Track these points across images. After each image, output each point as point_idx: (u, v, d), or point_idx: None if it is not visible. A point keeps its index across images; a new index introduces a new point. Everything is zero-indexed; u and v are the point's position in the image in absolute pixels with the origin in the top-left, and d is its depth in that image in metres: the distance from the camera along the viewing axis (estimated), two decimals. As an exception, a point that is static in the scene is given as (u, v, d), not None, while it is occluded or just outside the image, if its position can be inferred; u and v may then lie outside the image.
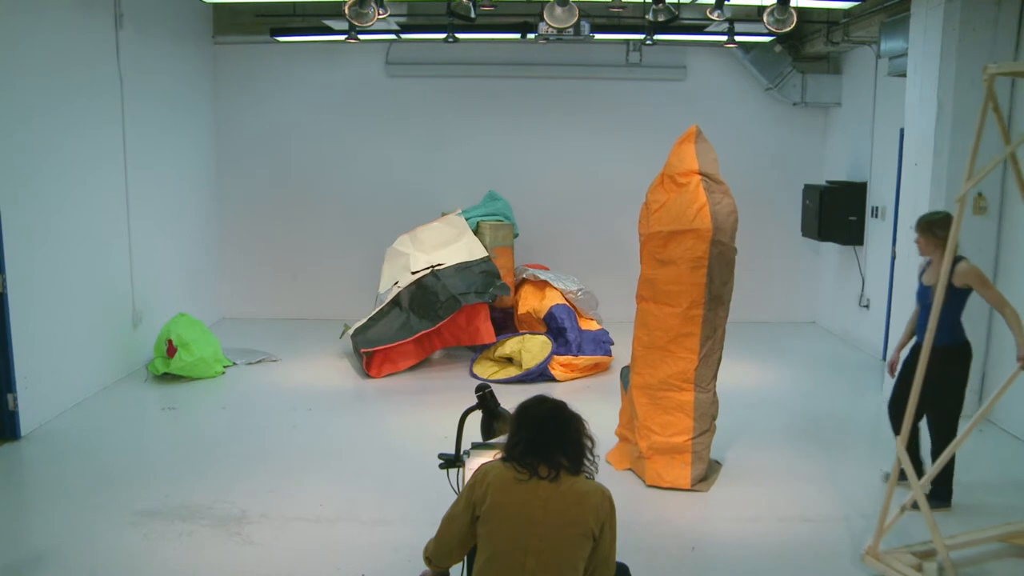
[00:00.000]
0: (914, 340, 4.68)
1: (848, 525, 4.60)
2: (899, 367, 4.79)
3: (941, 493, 4.65)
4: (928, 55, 6.27)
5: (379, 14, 5.48)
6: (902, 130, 6.84)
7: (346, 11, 5.44)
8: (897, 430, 4.34)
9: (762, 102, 9.47)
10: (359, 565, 4.08)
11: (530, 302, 8.08)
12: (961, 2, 5.98)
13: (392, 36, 8.51)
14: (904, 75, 6.76)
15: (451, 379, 7.40)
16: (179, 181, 8.47)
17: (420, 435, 5.88)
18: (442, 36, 7.68)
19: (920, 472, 4.48)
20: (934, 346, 3.93)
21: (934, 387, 4.24)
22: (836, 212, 8.51)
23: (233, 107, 9.38)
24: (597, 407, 5.64)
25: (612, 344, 7.81)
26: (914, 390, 3.93)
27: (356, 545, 4.30)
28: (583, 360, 7.46)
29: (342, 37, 7.50)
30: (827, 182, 8.91)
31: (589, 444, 2.67)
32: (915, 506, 3.98)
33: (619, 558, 2.81)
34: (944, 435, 4.56)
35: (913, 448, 4.66)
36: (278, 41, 8.63)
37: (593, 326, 8.00)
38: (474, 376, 7.42)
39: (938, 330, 3.95)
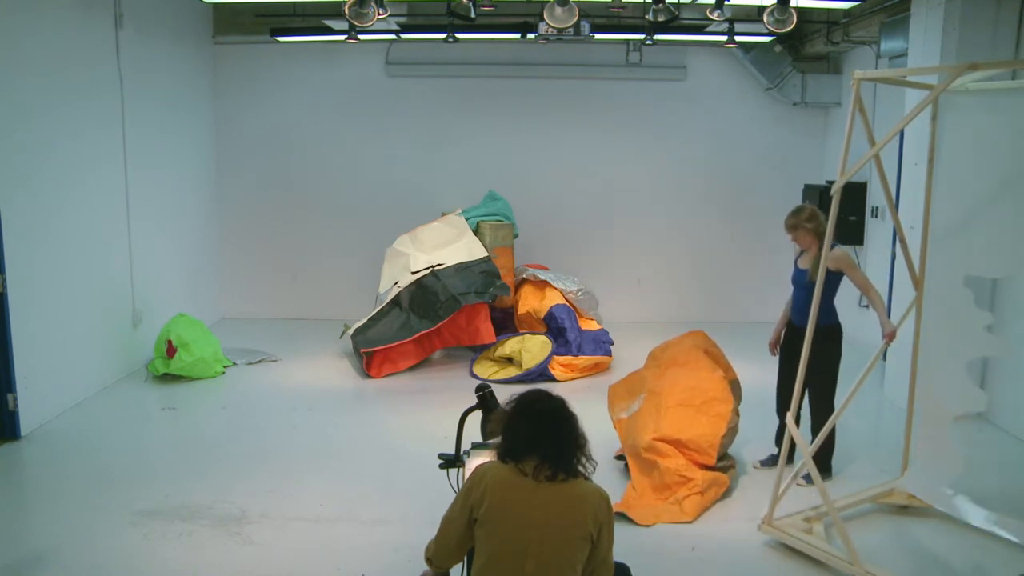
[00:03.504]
0: (788, 321, 5.16)
1: (846, 525, 4.59)
2: (782, 344, 5.22)
3: (823, 465, 5.07)
4: (928, 55, 6.26)
5: (379, 14, 5.48)
6: (902, 130, 6.83)
7: (346, 11, 5.43)
8: (780, 407, 5.10)
9: (762, 102, 9.47)
10: (359, 565, 4.08)
11: (530, 302, 8.07)
12: (961, 2, 5.98)
13: (392, 36, 8.51)
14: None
15: (451, 379, 7.40)
16: (179, 181, 8.47)
17: (420, 435, 5.88)
18: (442, 36, 7.68)
19: (789, 454, 4.83)
20: (815, 325, 4.27)
21: (816, 359, 4.54)
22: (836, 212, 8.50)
23: (233, 107, 9.38)
24: (597, 407, 5.63)
25: (612, 344, 7.81)
26: (802, 363, 4.27)
27: (356, 545, 4.30)
28: (583, 360, 7.46)
29: (342, 37, 7.50)
30: (827, 182, 8.91)
31: (584, 443, 2.63)
32: (805, 478, 4.72)
33: (619, 558, 2.81)
34: (823, 409, 4.97)
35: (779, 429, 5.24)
36: (278, 41, 8.63)
37: (593, 326, 8.00)
38: (474, 376, 7.42)
39: (818, 311, 4.30)
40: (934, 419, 4.63)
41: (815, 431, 4.93)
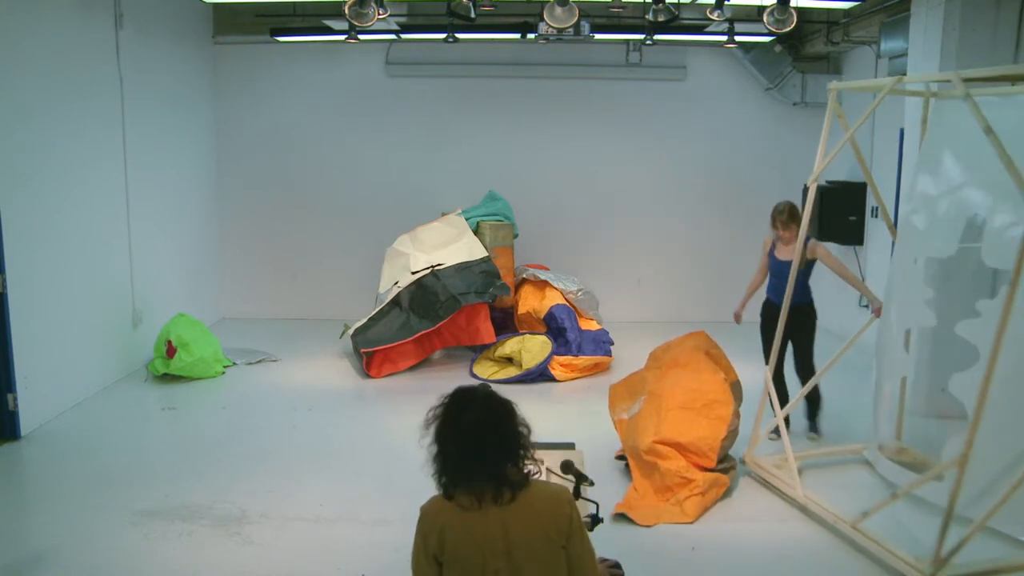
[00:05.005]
0: (766, 300, 5.96)
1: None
2: (761, 327, 5.96)
3: (812, 424, 5.98)
4: (928, 55, 6.26)
5: (379, 14, 5.48)
6: (902, 130, 6.84)
7: (346, 11, 5.43)
8: (774, 378, 5.60)
9: (762, 102, 9.47)
10: (359, 565, 4.08)
11: (530, 302, 8.07)
12: (961, 2, 5.98)
13: (392, 36, 8.51)
14: (904, 75, 6.75)
15: (451, 379, 7.37)
16: (179, 181, 8.47)
17: (420, 435, 5.87)
18: (442, 36, 7.68)
19: (816, 407, 5.94)
20: (795, 304, 5.39)
21: (796, 334, 5.71)
22: (836, 212, 8.51)
23: (233, 107, 9.37)
24: (597, 407, 5.64)
25: (612, 344, 7.81)
26: (778, 334, 5.33)
27: (356, 545, 4.30)
28: (583, 360, 7.46)
29: (342, 37, 7.50)
30: (827, 182, 8.90)
31: (527, 433, 2.36)
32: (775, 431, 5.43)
33: (619, 558, 2.80)
34: (806, 371, 5.80)
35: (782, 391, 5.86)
36: (278, 41, 8.63)
37: (593, 326, 8.00)
38: (474, 376, 7.41)
39: (798, 293, 5.41)
40: (888, 381, 5.25)
41: (803, 385, 5.73)
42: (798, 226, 5.48)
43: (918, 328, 5.12)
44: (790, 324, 5.40)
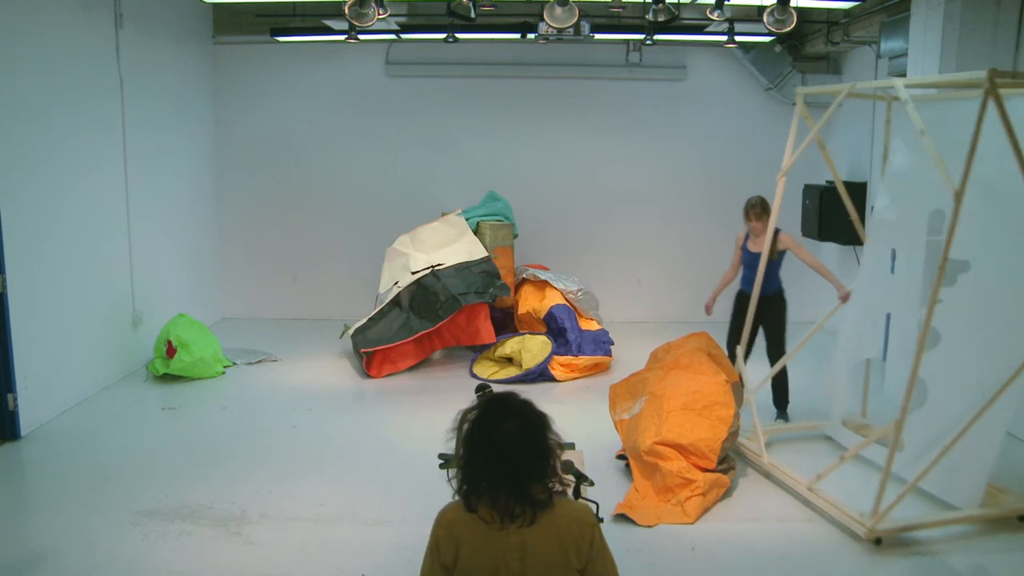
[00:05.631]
0: (739, 291, 6.22)
1: (848, 525, 4.60)
2: (732, 314, 6.23)
3: (782, 414, 6.22)
4: (928, 55, 6.26)
5: (379, 14, 5.48)
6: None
7: (346, 11, 5.43)
8: (733, 351, 5.96)
9: (762, 102, 9.46)
10: (359, 565, 4.08)
11: (530, 302, 8.07)
12: (961, 2, 5.98)
13: (392, 36, 8.51)
14: (904, 75, 6.76)
15: (451, 379, 7.40)
16: (179, 181, 8.47)
17: (420, 435, 5.88)
18: (442, 36, 7.69)
19: (784, 396, 6.23)
20: (764, 294, 5.78)
21: (767, 321, 6.01)
22: (836, 212, 8.48)
23: (233, 107, 9.37)
24: (597, 407, 5.64)
25: (612, 344, 7.80)
26: (748, 319, 5.77)
27: (356, 545, 4.30)
28: (583, 360, 7.46)
29: (342, 37, 7.50)
30: (827, 182, 8.90)
31: (559, 450, 2.28)
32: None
33: (619, 558, 2.79)
34: (777, 354, 6.06)
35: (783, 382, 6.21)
36: (278, 41, 8.63)
37: (593, 326, 8.00)
38: (474, 376, 7.41)
39: (766, 282, 5.76)
40: (847, 362, 5.65)
41: (773, 365, 6.03)
42: (766, 220, 5.89)
43: (887, 314, 5.46)
44: (760, 313, 5.82)
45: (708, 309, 6.38)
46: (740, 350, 5.83)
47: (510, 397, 2.30)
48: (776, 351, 6.09)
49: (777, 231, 5.79)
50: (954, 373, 4.69)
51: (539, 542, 2.23)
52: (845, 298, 5.76)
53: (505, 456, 2.20)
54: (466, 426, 2.27)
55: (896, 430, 4.32)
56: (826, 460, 5.19)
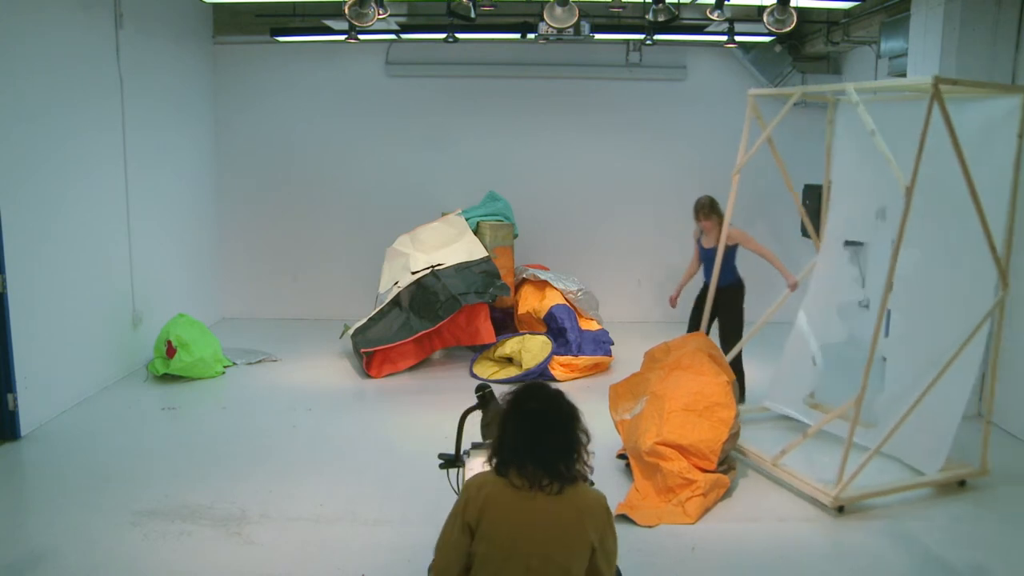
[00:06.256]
0: (705, 282, 6.51)
1: (846, 525, 4.60)
2: (694, 302, 6.60)
3: (739, 397, 6.18)
4: (928, 55, 6.27)
5: (379, 14, 5.48)
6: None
7: (346, 11, 5.43)
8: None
9: (762, 102, 9.43)
10: (359, 565, 4.08)
11: (530, 302, 8.07)
12: (961, 2, 5.99)
13: (392, 36, 8.51)
14: (904, 75, 6.76)
15: (451, 379, 7.40)
16: (179, 181, 8.47)
17: (420, 435, 5.88)
18: (442, 36, 7.69)
19: (740, 382, 6.37)
20: (720, 285, 6.15)
21: (724, 311, 6.36)
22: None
23: (233, 107, 9.37)
24: (597, 407, 5.63)
25: (612, 344, 7.80)
26: (706, 310, 6.17)
27: (356, 545, 4.30)
28: (583, 360, 7.46)
29: (342, 37, 7.50)
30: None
31: (586, 440, 2.50)
32: None
33: (619, 557, 2.79)
34: (733, 342, 6.36)
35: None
36: (278, 41, 8.63)
37: (593, 326, 7.99)
38: (474, 376, 7.42)
39: (722, 275, 6.14)
40: (801, 347, 5.96)
41: (727, 351, 6.21)
42: (719, 216, 6.35)
43: (848, 301, 5.93)
44: (716, 303, 6.23)
45: (672, 302, 6.83)
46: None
47: (544, 385, 2.55)
48: (731, 339, 6.39)
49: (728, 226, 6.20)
50: (909, 351, 5.19)
51: (563, 512, 2.40)
52: (794, 286, 6.28)
53: (531, 428, 2.43)
54: (505, 402, 2.52)
55: (857, 405, 4.67)
56: (790, 436, 5.52)
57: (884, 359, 5.43)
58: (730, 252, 6.33)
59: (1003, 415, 6.18)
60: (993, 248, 4.86)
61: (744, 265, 6.62)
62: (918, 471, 5.14)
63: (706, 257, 6.53)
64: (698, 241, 6.67)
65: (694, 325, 6.43)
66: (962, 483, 5.12)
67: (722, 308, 6.36)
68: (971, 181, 4.65)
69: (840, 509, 4.69)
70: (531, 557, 2.38)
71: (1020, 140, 4.84)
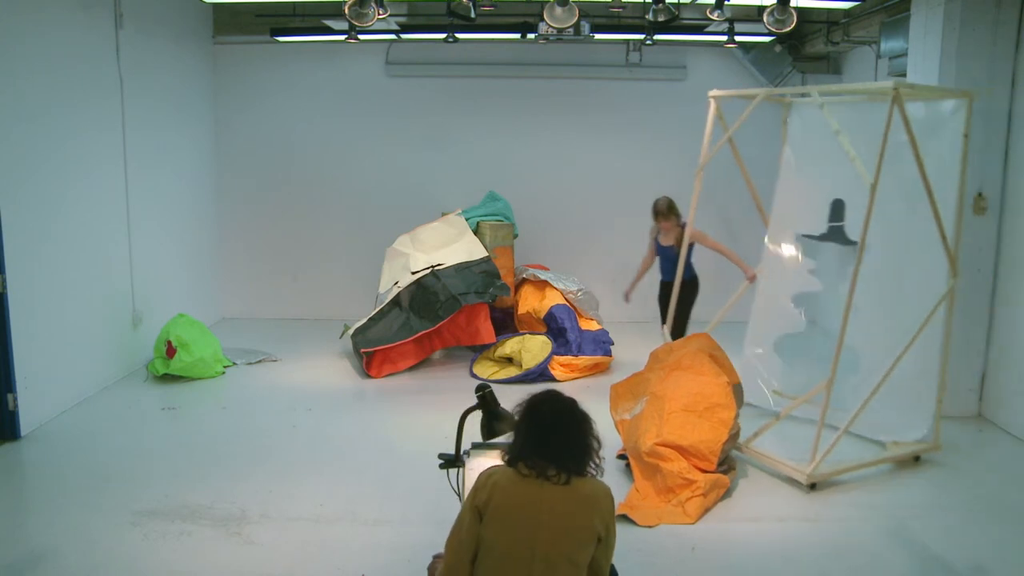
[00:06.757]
0: (661, 280, 7.06)
1: (846, 525, 4.60)
2: (659, 296, 7.10)
3: None
4: (928, 55, 6.27)
5: (379, 14, 5.48)
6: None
7: (346, 11, 5.43)
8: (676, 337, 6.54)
9: (762, 102, 9.42)
10: (359, 565, 4.08)
11: (530, 302, 8.07)
12: (961, 2, 5.99)
13: (392, 36, 8.51)
14: (904, 75, 6.76)
15: (451, 379, 7.40)
16: (179, 181, 8.47)
17: (420, 435, 5.88)
18: (442, 36, 7.69)
19: None
20: (675, 280, 6.44)
21: (680, 303, 6.59)
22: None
23: (233, 107, 9.37)
24: (597, 407, 5.62)
25: (612, 344, 7.80)
26: (672, 303, 6.45)
27: (356, 545, 4.30)
28: (583, 360, 7.46)
29: (342, 37, 7.50)
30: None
31: (596, 446, 2.59)
32: None
33: (619, 557, 2.81)
34: (679, 334, 6.60)
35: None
36: (278, 41, 8.63)
37: (593, 326, 8.00)
38: (474, 376, 7.42)
39: (678, 270, 6.44)
40: (760, 336, 6.45)
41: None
42: (677, 216, 6.79)
43: (803, 292, 6.25)
44: (670, 294, 6.55)
45: (626, 296, 7.22)
46: (665, 329, 6.52)
47: (559, 393, 2.65)
48: (681, 327, 6.75)
49: (683, 225, 6.57)
50: (872, 335, 5.60)
51: (569, 501, 2.48)
52: (752, 279, 6.57)
53: (543, 428, 2.54)
54: (521, 406, 2.64)
55: (828, 387, 5.00)
56: (760, 421, 5.72)
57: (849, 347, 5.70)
58: (688, 249, 6.63)
59: (1003, 415, 6.19)
60: (944, 239, 5.25)
61: (697, 261, 7.02)
62: (881, 446, 5.60)
63: (664, 255, 6.94)
64: (655, 239, 6.99)
65: (663, 316, 6.83)
66: (917, 458, 5.54)
67: (680, 301, 6.63)
68: (926, 178, 5.03)
69: (812, 486, 5.02)
70: (536, 543, 2.43)
71: (966, 140, 5.27)
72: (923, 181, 5.04)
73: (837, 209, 5.96)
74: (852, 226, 5.82)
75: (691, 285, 6.85)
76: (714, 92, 6.20)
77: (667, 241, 6.87)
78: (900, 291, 5.65)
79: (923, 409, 5.58)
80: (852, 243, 5.79)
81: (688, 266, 6.74)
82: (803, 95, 5.97)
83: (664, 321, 6.83)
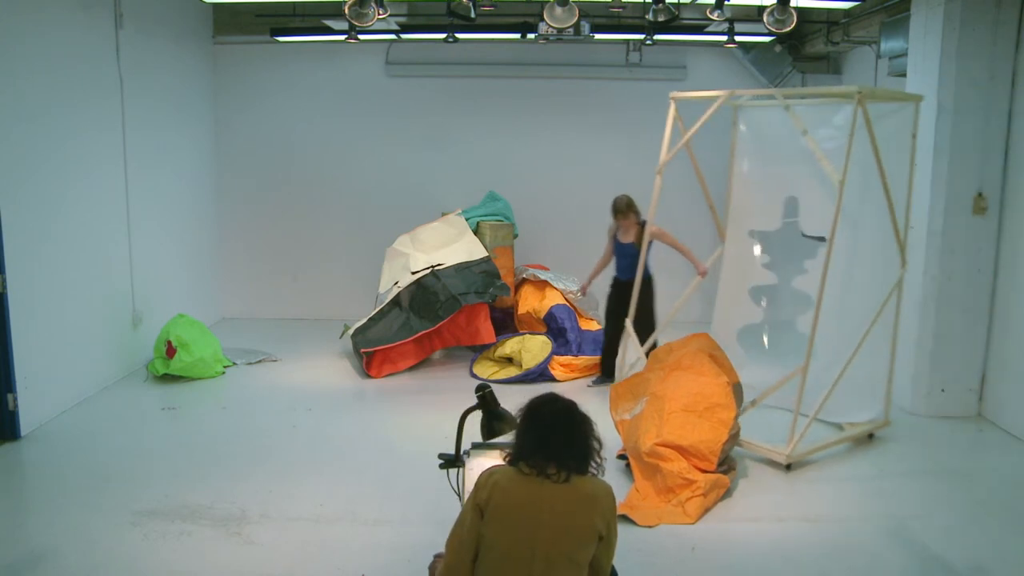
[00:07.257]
0: (614, 277, 7.18)
1: (846, 525, 4.60)
2: (609, 294, 7.17)
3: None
4: (928, 55, 6.27)
5: (379, 14, 5.48)
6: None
7: (346, 11, 5.43)
8: (613, 335, 6.94)
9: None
10: (359, 565, 4.08)
11: (530, 302, 8.07)
12: (961, 2, 5.98)
13: (392, 36, 8.51)
14: (904, 75, 6.76)
15: (451, 379, 7.40)
16: (179, 181, 8.47)
17: (420, 435, 5.88)
18: (442, 36, 7.69)
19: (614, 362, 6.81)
20: (633, 278, 6.57)
21: (639, 302, 6.61)
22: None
23: (233, 107, 9.37)
24: (597, 407, 5.63)
25: (612, 344, 7.80)
26: (633, 300, 6.53)
27: (356, 545, 4.30)
28: (583, 360, 7.46)
29: (342, 37, 7.50)
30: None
31: (597, 447, 2.60)
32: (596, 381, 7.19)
33: (619, 557, 2.80)
34: (648, 329, 6.73)
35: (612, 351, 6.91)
36: (278, 41, 8.63)
37: (593, 326, 8.00)
38: (474, 376, 7.42)
39: (636, 269, 6.55)
40: (724, 329, 6.71)
41: (643, 342, 6.52)
42: (636, 214, 6.95)
43: (760, 285, 6.56)
44: (626, 293, 6.67)
45: (583, 291, 7.56)
46: (628, 323, 6.50)
47: (560, 396, 2.67)
48: (647, 325, 6.81)
49: (643, 223, 6.73)
50: (827, 324, 5.73)
51: (569, 500, 2.49)
52: (703, 274, 6.85)
53: (543, 428, 2.55)
54: (520, 413, 2.66)
55: (803, 373, 5.33)
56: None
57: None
58: (645, 247, 6.76)
59: (1003, 415, 6.19)
60: (897, 232, 5.65)
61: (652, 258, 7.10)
62: (838, 427, 6.00)
63: (621, 252, 7.08)
64: (614, 237, 7.13)
65: (614, 316, 6.93)
66: (871, 435, 5.96)
67: (639, 299, 6.72)
68: (884, 176, 5.42)
69: (788, 467, 5.33)
70: (537, 542, 2.44)
71: (914, 140, 5.69)
72: (881, 178, 5.43)
73: (791, 206, 6.30)
74: (806, 221, 6.23)
75: (646, 283, 6.86)
76: (674, 94, 6.40)
77: (626, 238, 7.02)
78: (851, 281, 5.92)
79: (875, 392, 5.99)
80: (808, 238, 6.19)
81: (646, 264, 6.81)
82: (769, 96, 6.19)
83: (608, 318, 7.06)
